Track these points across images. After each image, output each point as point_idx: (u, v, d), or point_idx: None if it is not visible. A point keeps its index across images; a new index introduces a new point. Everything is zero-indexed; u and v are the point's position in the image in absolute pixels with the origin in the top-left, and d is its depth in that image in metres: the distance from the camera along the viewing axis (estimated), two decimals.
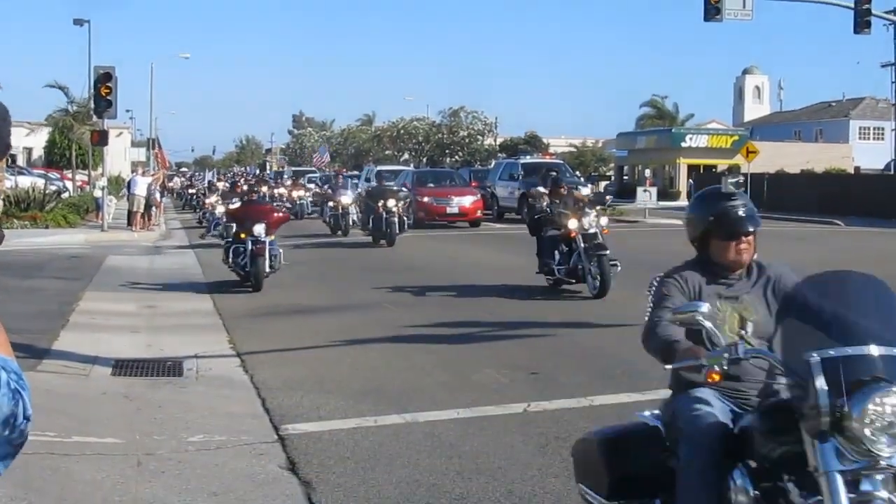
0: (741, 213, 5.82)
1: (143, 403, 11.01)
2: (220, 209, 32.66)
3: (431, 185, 46.72)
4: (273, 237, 21.91)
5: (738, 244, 5.82)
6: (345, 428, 9.92)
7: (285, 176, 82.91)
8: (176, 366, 13.10)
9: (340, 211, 39.56)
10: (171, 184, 77.72)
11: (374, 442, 9.39)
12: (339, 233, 38.85)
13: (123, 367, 12.97)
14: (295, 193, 55.48)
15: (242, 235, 21.31)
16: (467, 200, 44.79)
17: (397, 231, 33.38)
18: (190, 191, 70.21)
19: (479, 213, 44.91)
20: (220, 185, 52.07)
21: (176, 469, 8.51)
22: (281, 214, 23.86)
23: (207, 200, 43.16)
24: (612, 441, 5.73)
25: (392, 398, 11.25)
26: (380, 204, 33.51)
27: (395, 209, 33.42)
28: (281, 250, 22.05)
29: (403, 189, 38.76)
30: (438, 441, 9.42)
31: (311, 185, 62.26)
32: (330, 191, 43.89)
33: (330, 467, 8.61)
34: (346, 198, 39.72)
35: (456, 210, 43.85)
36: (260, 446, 9.28)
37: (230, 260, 21.67)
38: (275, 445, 9.33)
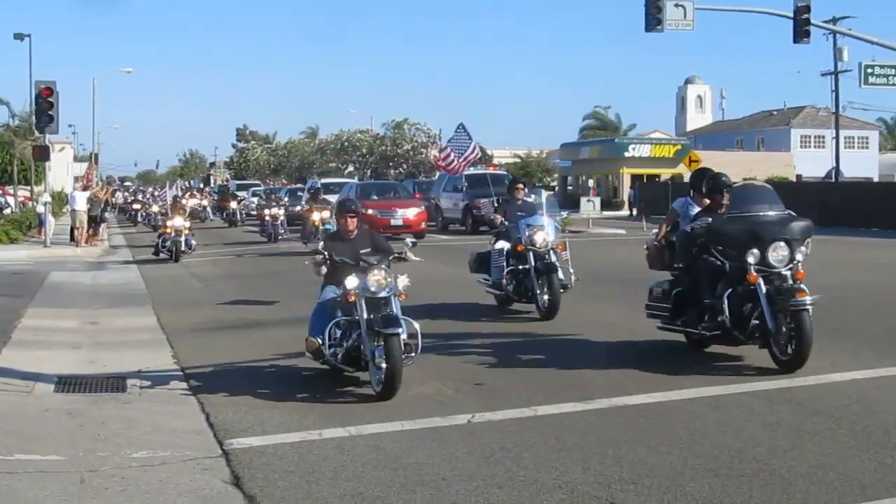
0: None
1: (87, 420, 10.96)
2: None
3: (375, 197, 46.75)
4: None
5: None
6: (289, 442, 9.92)
7: (229, 189, 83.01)
8: (119, 382, 13.05)
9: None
10: (113, 199, 77.08)
11: (319, 455, 9.40)
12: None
13: (66, 383, 12.91)
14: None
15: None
16: (411, 212, 45.02)
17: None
18: (135, 206, 70.27)
19: (423, 225, 45.06)
20: (190, 201, 55.59)
21: (119, 486, 8.49)
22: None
23: (170, 223, 34.81)
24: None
25: (336, 411, 11.27)
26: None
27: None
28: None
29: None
30: (383, 454, 9.44)
31: (254, 199, 66.02)
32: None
33: (274, 481, 8.61)
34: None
35: (400, 222, 43.86)
36: (204, 461, 9.26)
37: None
38: (219, 460, 9.32)
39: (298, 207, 49.53)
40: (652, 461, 8.96)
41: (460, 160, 27.58)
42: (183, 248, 34.26)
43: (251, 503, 8.12)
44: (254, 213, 60.80)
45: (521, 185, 21.61)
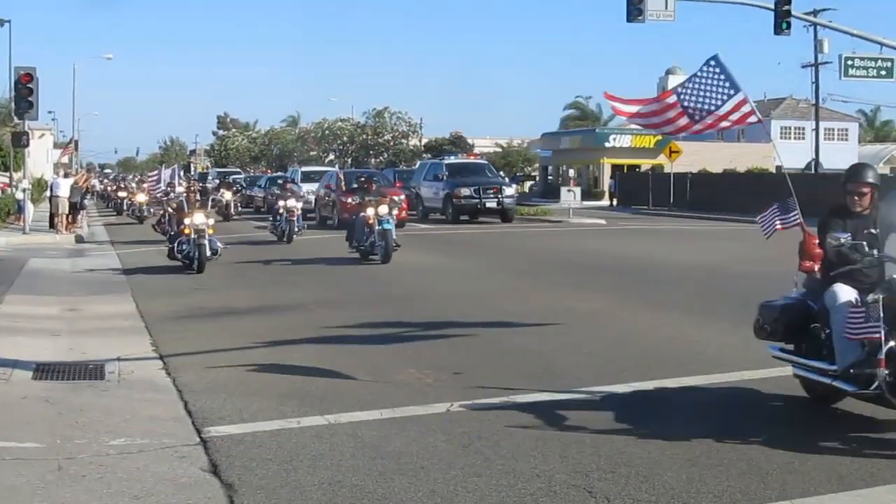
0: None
1: (65, 407, 10.92)
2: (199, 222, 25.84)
3: (355, 185, 46.41)
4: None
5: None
6: (267, 430, 9.91)
7: (210, 177, 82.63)
8: (98, 369, 13.01)
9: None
10: (91, 186, 76.56)
11: (297, 443, 9.38)
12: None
13: (44, 370, 12.86)
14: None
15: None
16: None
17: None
18: (120, 194, 63.94)
19: (404, 214, 44.72)
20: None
21: (97, 473, 8.46)
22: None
23: (189, 221, 26.26)
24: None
25: (315, 399, 11.24)
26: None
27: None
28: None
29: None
30: (361, 442, 9.44)
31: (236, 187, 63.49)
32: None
33: (252, 469, 8.60)
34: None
35: None
36: (182, 449, 9.24)
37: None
38: (197, 448, 9.29)
39: (322, 193, 47.67)
40: (630, 450, 8.97)
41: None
42: (208, 253, 25.74)
43: (229, 491, 8.09)
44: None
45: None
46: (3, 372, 12.70)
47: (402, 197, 45.12)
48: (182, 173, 55.03)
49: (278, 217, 37.27)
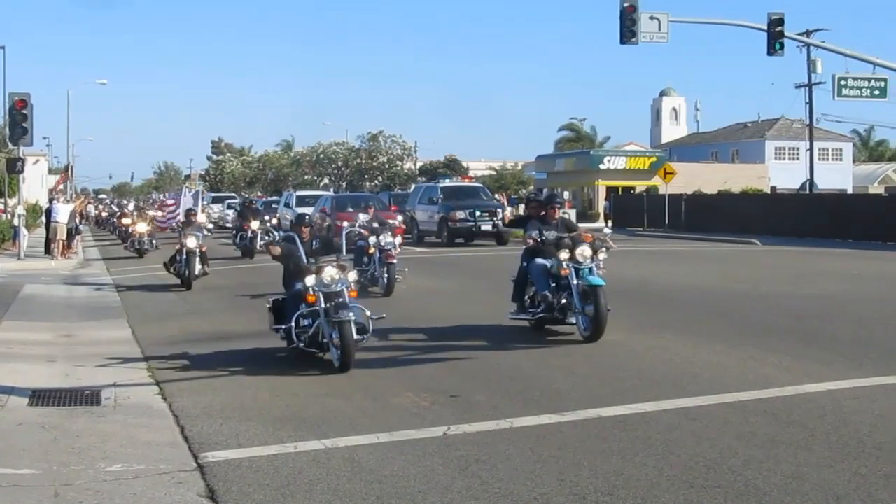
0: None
1: (61, 433, 10.91)
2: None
3: (351, 209, 46.20)
4: None
5: None
6: (264, 455, 9.90)
7: (203, 202, 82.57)
8: (94, 395, 13.00)
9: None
10: (87, 211, 76.43)
11: (294, 468, 9.37)
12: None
13: (40, 397, 12.86)
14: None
15: None
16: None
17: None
18: (124, 221, 53.31)
19: (399, 239, 44.53)
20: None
21: (94, 499, 8.45)
22: None
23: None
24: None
25: (312, 424, 11.24)
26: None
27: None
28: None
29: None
30: (358, 466, 9.42)
31: (230, 212, 62.45)
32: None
33: (249, 494, 8.59)
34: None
35: None
36: (179, 475, 9.23)
37: None
38: (194, 474, 9.28)
39: (318, 217, 45.61)
40: (627, 472, 8.97)
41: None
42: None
43: None
44: (228, 225, 57.49)
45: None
46: None
47: (400, 219, 45.08)
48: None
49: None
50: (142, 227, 43.85)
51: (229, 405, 12.31)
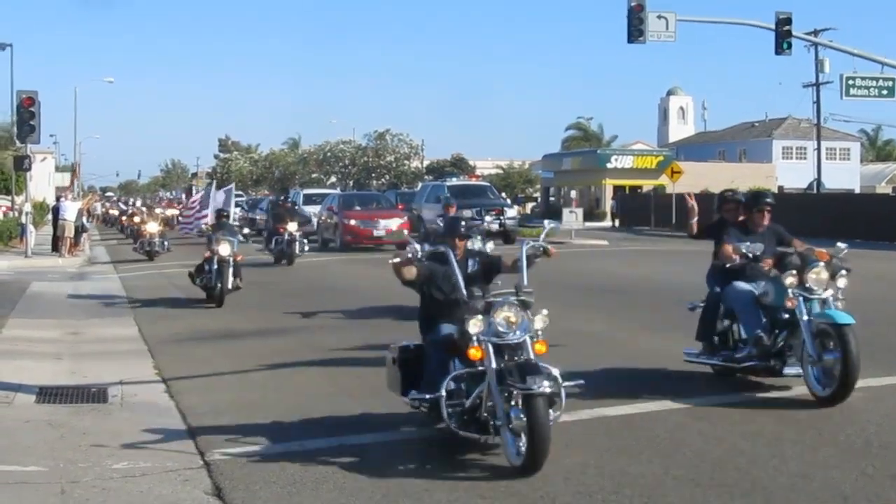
0: None
1: (68, 431, 10.92)
2: None
3: (358, 208, 46.24)
4: None
5: None
6: (271, 452, 9.90)
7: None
8: (100, 392, 13.01)
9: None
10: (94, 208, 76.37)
11: (301, 466, 9.36)
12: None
13: (47, 394, 12.87)
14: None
15: None
16: (394, 223, 43.86)
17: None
18: (136, 219, 49.42)
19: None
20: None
21: (101, 497, 8.45)
22: None
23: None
24: None
25: (318, 421, 11.24)
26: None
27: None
28: None
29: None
30: (365, 464, 9.42)
31: (237, 210, 61.61)
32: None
33: (256, 492, 8.59)
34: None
35: (383, 233, 43.04)
36: (185, 472, 9.23)
37: None
38: (200, 471, 9.28)
39: (325, 216, 45.76)
40: (634, 471, 8.96)
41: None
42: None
43: None
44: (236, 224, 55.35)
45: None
46: (5, 395, 12.72)
47: (405, 219, 45.03)
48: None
49: (278, 239, 35.66)
50: (152, 228, 40.94)
51: (236, 403, 12.32)
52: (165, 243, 40.95)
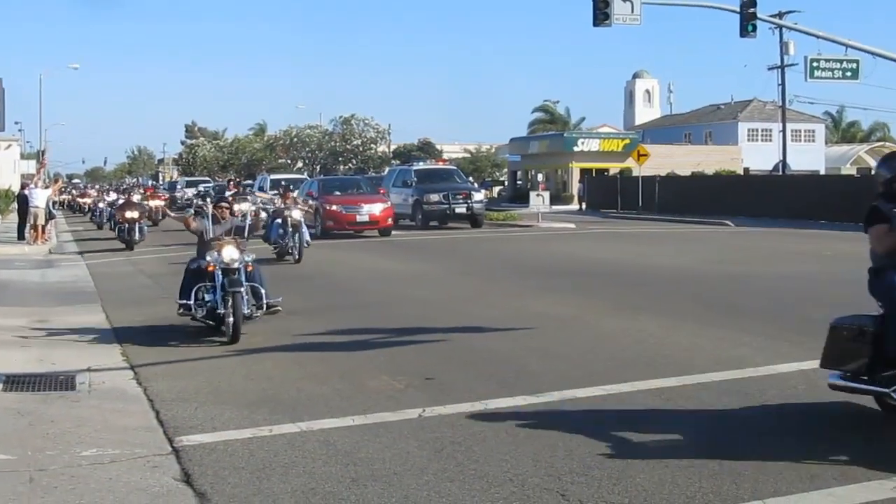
0: None
1: (36, 419, 10.87)
2: None
3: (338, 193, 45.23)
4: None
5: None
6: (239, 438, 9.89)
7: (178, 186, 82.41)
8: (68, 380, 12.96)
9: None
10: (61, 196, 75.95)
11: (269, 451, 9.37)
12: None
13: (14, 382, 12.81)
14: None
15: None
16: (377, 208, 43.39)
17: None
18: (128, 214, 40.94)
19: (389, 221, 43.68)
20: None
21: (69, 484, 8.43)
22: None
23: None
24: None
25: (287, 407, 11.23)
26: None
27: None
28: None
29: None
30: (334, 449, 9.43)
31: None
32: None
33: (225, 478, 8.58)
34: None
35: (366, 218, 42.73)
36: (154, 459, 9.22)
37: None
38: (169, 458, 9.27)
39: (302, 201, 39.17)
40: (602, 452, 8.99)
41: None
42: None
43: (202, 500, 8.08)
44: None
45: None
46: None
47: (389, 204, 44.38)
48: (151, 183, 47.88)
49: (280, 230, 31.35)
50: (131, 214, 39.73)
51: (204, 389, 12.31)
52: (145, 230, 41.03)
